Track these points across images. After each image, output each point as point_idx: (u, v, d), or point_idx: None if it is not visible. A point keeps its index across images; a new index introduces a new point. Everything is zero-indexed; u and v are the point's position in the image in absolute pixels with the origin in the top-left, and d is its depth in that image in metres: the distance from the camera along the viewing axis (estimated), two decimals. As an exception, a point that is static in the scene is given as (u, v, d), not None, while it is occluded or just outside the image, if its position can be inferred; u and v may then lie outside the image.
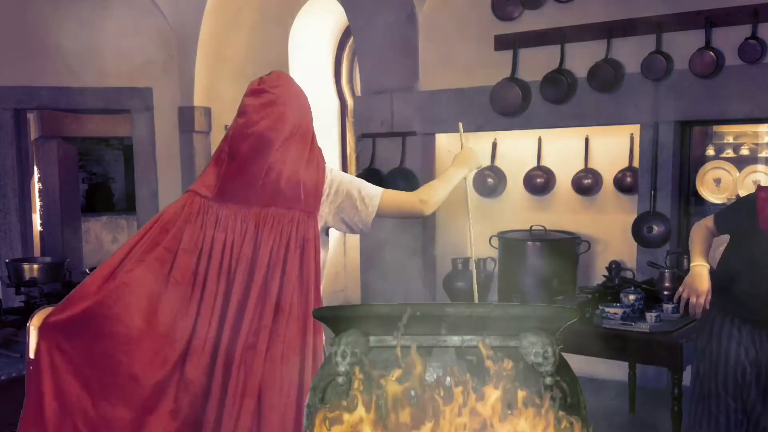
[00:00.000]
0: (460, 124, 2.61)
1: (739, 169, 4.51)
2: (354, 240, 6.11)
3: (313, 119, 2.22)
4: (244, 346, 1.99)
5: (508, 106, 4.74)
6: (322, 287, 2.18)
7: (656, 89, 4.33)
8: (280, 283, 2.03)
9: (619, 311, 3.56)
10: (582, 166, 4.95)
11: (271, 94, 2.10)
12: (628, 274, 4.43)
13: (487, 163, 2.47)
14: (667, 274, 3.82)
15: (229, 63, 6.52)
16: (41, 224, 8.35)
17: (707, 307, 2.58)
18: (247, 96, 2.14)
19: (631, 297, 3.66)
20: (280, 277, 2.03)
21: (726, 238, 2.75)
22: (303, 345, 2.01)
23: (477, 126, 4.99)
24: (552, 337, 1.44)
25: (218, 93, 6.55)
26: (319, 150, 2.20)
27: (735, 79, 4.08)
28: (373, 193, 2.17)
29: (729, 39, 4.07)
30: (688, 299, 2.59)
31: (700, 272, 2.58)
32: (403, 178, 5.08)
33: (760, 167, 4.58)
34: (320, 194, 2.10)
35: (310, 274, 2.05)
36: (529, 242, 4.74)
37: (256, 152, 2.07)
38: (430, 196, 2.24)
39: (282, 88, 2.13)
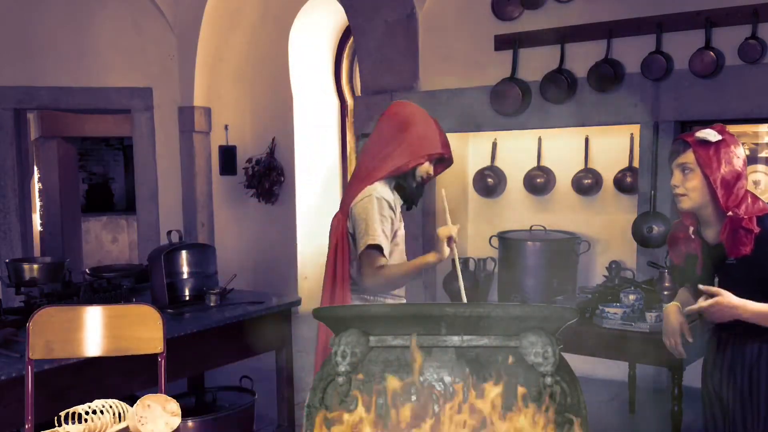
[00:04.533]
0: (443, 191, 2.58)
1: (739, 169, 4.49)
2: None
3: (403, 141, 2.51)
4: None
5: (508, 106, 4.74)
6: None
7: (656, 89, 4.32)
8: (333, 269, 2.58)
9: (619, 311, 3.55)
10: (582, 166, 4.96)
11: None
12: (628, 274, 4.43)
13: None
14: (667, 274, 3.81)
15: (229, 63, 6.53)
16: (41, 224, 8.36)
17: (690, 340, 2.41)
18: None
19: (631, 297, 3.66)
20: (333, 266, 2.58)
21: None
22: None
23: (477, 126, 4.99)
24: (552, 337, 1.44)
25: (218, 93, 6.56)
26: (383, 173, 2.53)
27: (735, 79, 4.08)
28: (360, 242, 2.52)
29: (729, 39, 4.07)
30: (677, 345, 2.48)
31: (666, 312, 2.47)
32: (403, 178, 5.07)
33: (760, 167, 4.58)
34: (348, 203, 2.56)
35: (345, 266, 2.56)
36: (529, 242, 4.74)
37: None
38: (381, 276, 2.52)
39: (380, 121, 2.62)
